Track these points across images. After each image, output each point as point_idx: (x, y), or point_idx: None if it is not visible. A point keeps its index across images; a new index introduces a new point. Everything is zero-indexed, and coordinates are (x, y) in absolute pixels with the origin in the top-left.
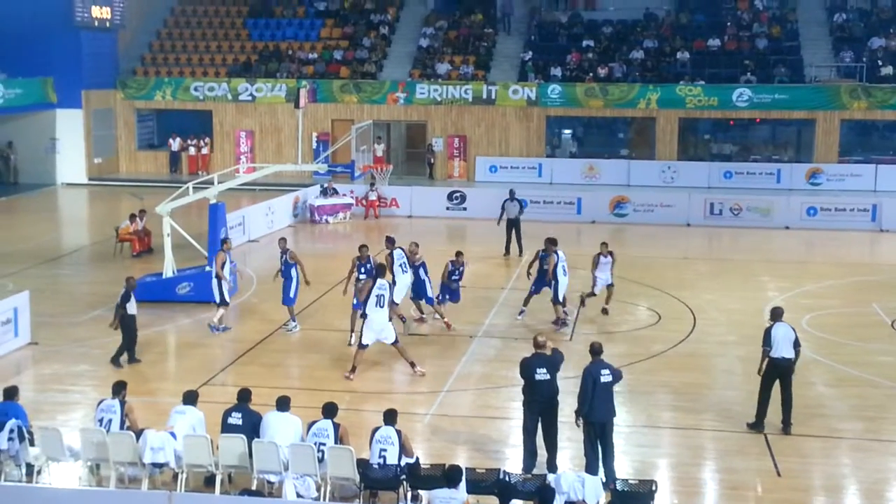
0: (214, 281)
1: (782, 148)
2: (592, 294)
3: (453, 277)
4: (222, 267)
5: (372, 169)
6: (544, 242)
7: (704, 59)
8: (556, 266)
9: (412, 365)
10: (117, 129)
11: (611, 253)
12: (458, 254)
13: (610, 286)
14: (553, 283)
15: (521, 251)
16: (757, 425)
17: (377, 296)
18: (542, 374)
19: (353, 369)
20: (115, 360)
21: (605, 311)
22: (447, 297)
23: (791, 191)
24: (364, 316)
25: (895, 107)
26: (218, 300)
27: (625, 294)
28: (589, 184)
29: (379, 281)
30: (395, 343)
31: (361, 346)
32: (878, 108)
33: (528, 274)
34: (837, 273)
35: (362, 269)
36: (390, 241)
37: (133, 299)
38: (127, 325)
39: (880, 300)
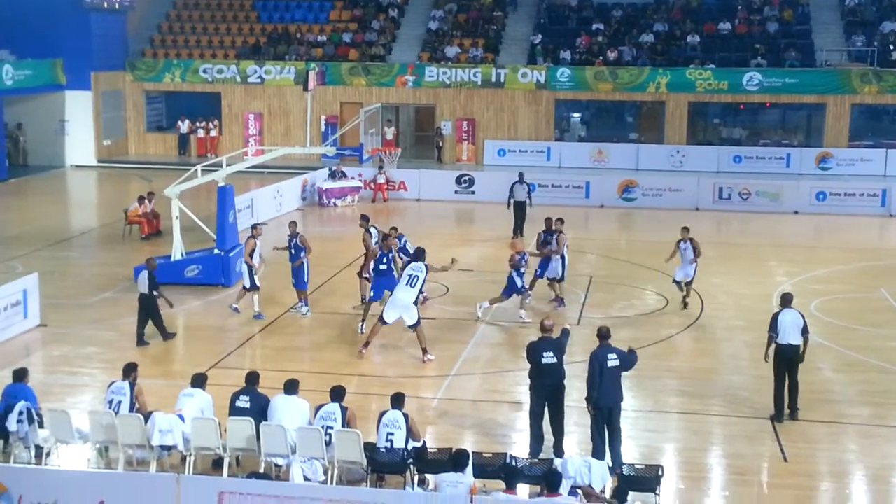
0: (244, 267)
1: (792, 132)
2: (680, 286)
3: (521, 270)
4: (251, 254)
5: (380, 152)
6: (545, 222)
7: (715, 42)
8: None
9: (424, 351)
10: (126, 111)
11: (691, 240)
12: (515, 244)
13: (689, 284)
14: (562, 261)
15: (521, 234)
16: (778, 416)
17: (409, 275)
18: (548, 357)
19: (367, 344)
20: (165, 336)
21: (685, 305)
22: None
23: (801, 175)
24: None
25: None
26: (248, 286)
27: (633, 278)
28: (597, 168)
29: (413, 264)
30: (416, 325)
31: (382, 322)
32: (889, 93)
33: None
34: (846, 258)
35: (383, 260)
36: (365, 219)
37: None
38: (145, 304)
39: (889, 285)
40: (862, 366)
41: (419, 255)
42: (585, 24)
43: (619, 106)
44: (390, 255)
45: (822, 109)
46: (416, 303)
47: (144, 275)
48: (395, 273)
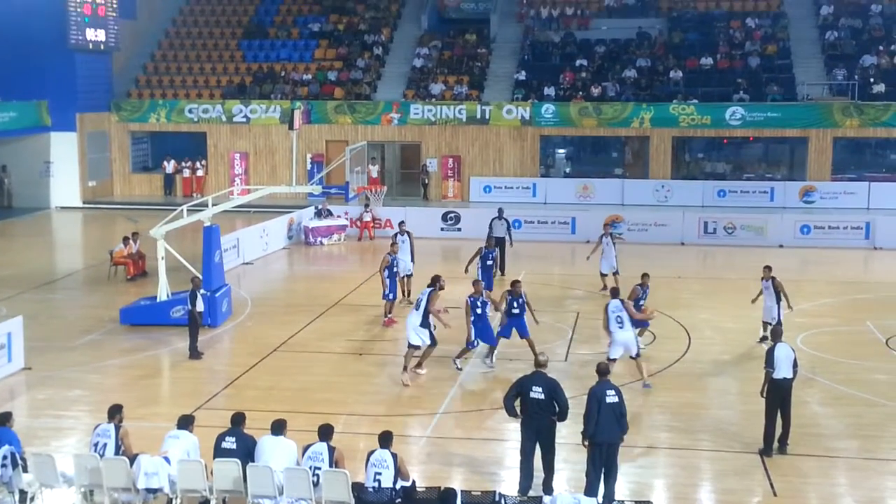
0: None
1: (775, 166)
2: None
3: (640, 302)
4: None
5: (366, 190)
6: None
7: (697, 77)
8: None
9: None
10: (111, 152)
11: (773, 279)
12: (644, 276)
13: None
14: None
15: (503, 272)
16: (766, 451)
17: (418, 299)
18: (537, 392)
19: (421, 364)
20: (193, 354)
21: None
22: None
23: (784, 209)
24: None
25: (887, 124)
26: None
27: None
28: (583, 203)
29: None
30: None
31: (410, 346)
32: (870, 126)
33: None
34: (832, 291)
35: (514, 304)
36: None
37: (199, 297)
38: (195, 321)
39: (874, 318)
40: (849, 399)
41: (434, 281)
42: (569, 60)
43: (604, 141)
44: (521, 299)
45: (805, 143)
46: (424, 325)
47: (199, 295)
48: (525, 316)
